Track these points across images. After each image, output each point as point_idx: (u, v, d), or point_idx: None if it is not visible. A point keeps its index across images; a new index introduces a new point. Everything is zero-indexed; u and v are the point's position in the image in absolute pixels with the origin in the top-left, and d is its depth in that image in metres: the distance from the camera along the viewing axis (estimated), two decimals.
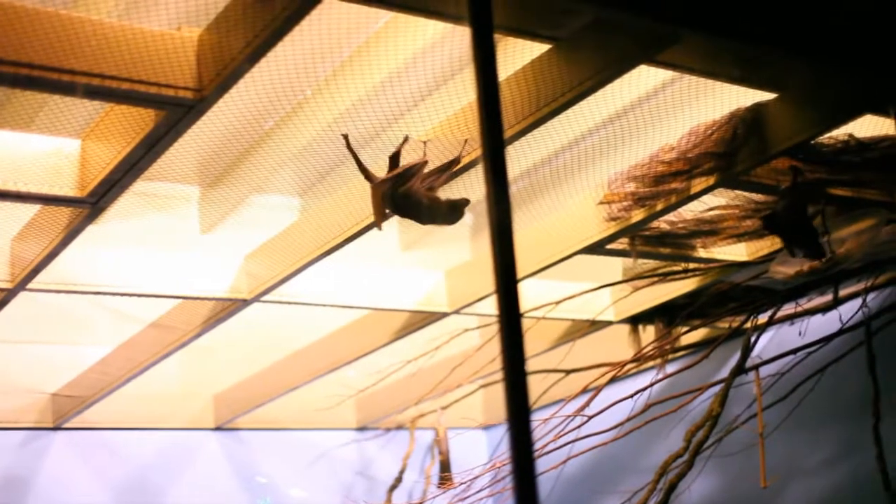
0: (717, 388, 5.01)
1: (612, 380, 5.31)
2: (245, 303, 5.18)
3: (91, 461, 6.94)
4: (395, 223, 5.29)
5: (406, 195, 3.82)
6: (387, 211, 3.92)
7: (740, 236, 5.03)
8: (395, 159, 3.89)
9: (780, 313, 5.48)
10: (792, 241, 4.39)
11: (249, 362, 6.93)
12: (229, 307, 5.26)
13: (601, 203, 4.63)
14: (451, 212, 3.93)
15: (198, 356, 6.71)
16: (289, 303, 5.37)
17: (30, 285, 4.77)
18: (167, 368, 6.36)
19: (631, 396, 5.00)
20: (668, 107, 4.20)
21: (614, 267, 5.67)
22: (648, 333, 6.10)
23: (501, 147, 2.25)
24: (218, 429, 7.34)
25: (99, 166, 3.85)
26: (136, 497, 7.02)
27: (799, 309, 5.59)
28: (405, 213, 3.91)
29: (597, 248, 4.89)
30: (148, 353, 5.86)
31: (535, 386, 6.26)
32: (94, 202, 4.03)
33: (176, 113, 3.43)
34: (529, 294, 5.71)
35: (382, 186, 3.85)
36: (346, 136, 3.83)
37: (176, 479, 7.16)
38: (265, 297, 5.17)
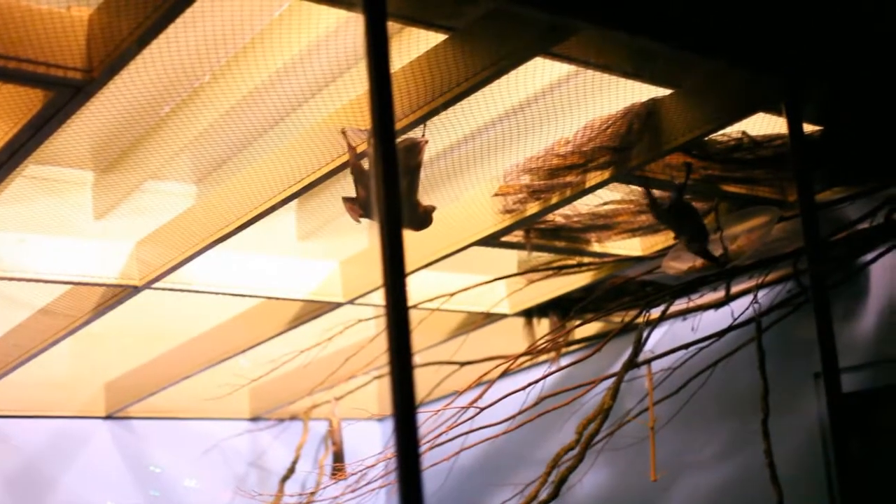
0: (609, 382, 5.03)
1: (506, 372, 5.32)
2: (136, 289, 5.10)
3: None
4: (292, 210, 5.27)
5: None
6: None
7: (634, 231, 5.07)
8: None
9: (673, 308, 5.53)
10: (681, 232, 4.43)
11: (141, 350, 6.84)
12: (120, 294, 5.18)
13: (496, 195, 4.63)
14: (424, 217, 3.93)
15: (88, 343, 6.62)
16: (181, 290, 5.30)
17: None
18: (57, 355, 6.27)
19: (524, 388, 5.01)
20: (565, 101, 4.21)
21: (509, 259, 5.68)
22: (543, 326, 6.13)
23: (392, 135, 2.24)
24: (109, 417, 7.24)
25: None
26: (25, 486, 6.91)
27: (691, 304, 5.65)
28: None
29: (491, 241, 4.90)
30: (37, 340, 5.75)
31: (429, 378, 6.26)
32: None
33: (64, 94, 3.37)
34: (424, 285, 5.70)
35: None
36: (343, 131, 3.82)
37: (66, 467, 7.06)
38: (157, 284, 5.10)
